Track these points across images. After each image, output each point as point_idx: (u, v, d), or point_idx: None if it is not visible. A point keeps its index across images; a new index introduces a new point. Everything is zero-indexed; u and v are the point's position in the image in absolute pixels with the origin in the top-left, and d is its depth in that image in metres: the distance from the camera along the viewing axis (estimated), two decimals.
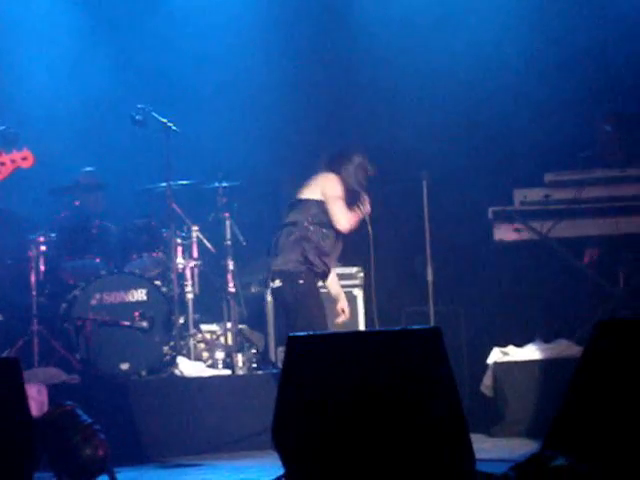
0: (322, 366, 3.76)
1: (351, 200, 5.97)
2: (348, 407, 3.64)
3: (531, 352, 6.44)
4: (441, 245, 7.28)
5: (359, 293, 7.30)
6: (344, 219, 5.91)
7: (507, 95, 7.40)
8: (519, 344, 6.54)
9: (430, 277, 7.19)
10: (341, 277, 7.29)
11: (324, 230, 5.91)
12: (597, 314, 6.63)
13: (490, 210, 6.77)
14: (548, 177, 6.84)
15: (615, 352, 3.81)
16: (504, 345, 6.53)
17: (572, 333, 6.62)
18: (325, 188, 5.91)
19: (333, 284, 6.25)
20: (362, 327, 7.19)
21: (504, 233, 6.78)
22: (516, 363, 6.36)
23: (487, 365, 6.43)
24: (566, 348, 6.36)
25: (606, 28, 7.41)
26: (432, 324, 7.08)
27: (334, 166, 6.00)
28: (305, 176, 6.08)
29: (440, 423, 3.77)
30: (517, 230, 6.77)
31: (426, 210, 7.18)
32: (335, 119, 7.86)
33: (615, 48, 7.35)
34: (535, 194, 6.81)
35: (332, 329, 6.03)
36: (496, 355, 6.43)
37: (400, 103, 7.64)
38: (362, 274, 7.31)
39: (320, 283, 6.05)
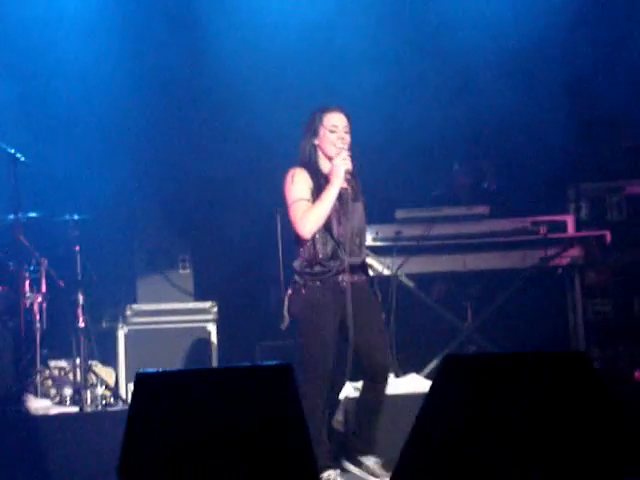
0: (171, 403, 3.70)
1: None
2: (197, 446, 3.59)
3: None
4: None
5: (213, 328, 7.25)
6: (296, 224, 5.11)
7: (359, 132, 7.50)
8: None
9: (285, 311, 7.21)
10: (194, 312, 7.26)
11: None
12: (446, 349, 6.78)
13: None
14: (399, 214, 6.97)
15: (461, 387, 3.87)
16: (356, 380, 6.58)
17: (422, 368, 6.73)
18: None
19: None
20: (216, 363, 7.14)
21: None
22: None
23: (339, 400, 6.46)
24: (416, 383, 6.44)
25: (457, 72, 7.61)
26: (287, 359, 7.10)
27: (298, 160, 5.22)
28: None
29: (289, 460, 3.75)
30: (369, 266, 6.84)
31: (280, 243, 7.22)
32: (194, 149, 7.81)
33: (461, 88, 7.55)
34: (387, 230, 6.92)
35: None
36: (348, 390, 6.47)
37: (258, 133, 7.64)
38: (216, 309, 7.26)
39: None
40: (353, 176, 5.17)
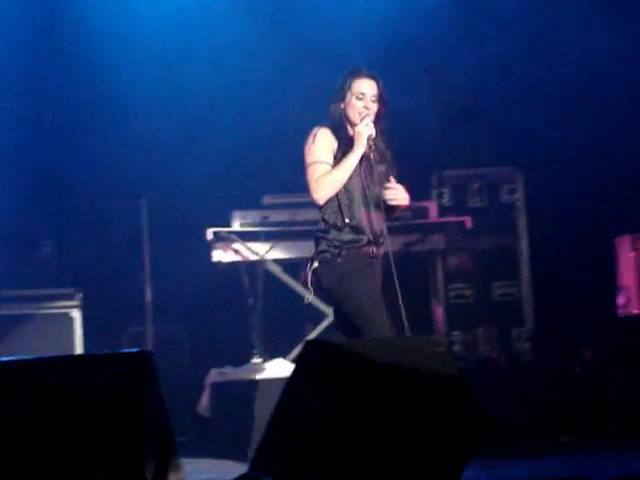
0: (22, 393, 3.63)
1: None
2: (48, 435, 3.54)
3: (248, 372, 6.54)
4: (162, 265, 7.29)
5: (77, 314, 7.12)
6: (311, 188, 4.85)
7: (225, 117, 7.48)
8: (237, 364, 6.63)
9: (149, 298, 7.18)
10: (58, 298, 7.12)
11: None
12: (312, 334, 6.84)
13: (209, 231, 6.80)
14: (266, 199, 6.99)
15: (319, 371, 3.93)
16: (223, 365, 6.59)
17: (289, 352, 6.78)
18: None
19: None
20: (81, 350, 7.02)
21: (223, 254, 6.84)
22: (233, 383, 6.42)
23: (205, 386, 6.47)
24: (282, 367, 6.49)
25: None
26: (152, 345, 7.07)
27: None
28: None
29: (148, 448, 3.74)
30: (236, 251, 6.85)
31: (146, 230, 7.16)
32: (58, 132, 7.64)
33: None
34: (253, 216, 6.92)
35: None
36: (213, 375, 6.48)
37: (125, 117, 7.53)
38: (80, 294, 7.14)
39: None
40: (377, 142, 4.88)
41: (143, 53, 7.45)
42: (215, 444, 6.28)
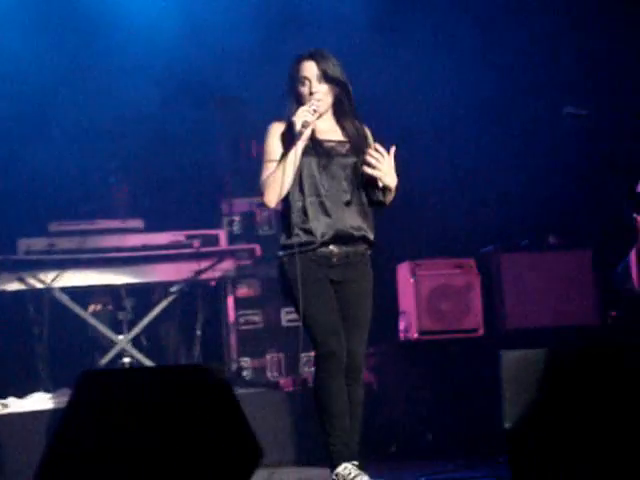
0: None
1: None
2: None
3: (33, 402, 6.39)
4: None
5: None
6: (260, 190, 4.49)
7: (6, 144, 7.31)
8: (22, 395, 6.46)
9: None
10: None
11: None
12: (100, 362, 6.77)
13: None
14: (52, 226, 6.87)
15: (95, 403, 3.90)
16: (5, 397, 6.41)
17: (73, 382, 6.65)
18: None
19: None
20: None
21: (7, 283, 6.68)
22: (17, 415, 6.25)
23: None
24: (67, 398, 6.37)
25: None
26: None
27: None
28: None
29: None
30: (20, 280, 6.69)
31: None
32: None
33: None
34: (40, 243, 6.79)
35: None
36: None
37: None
38: None
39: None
40: (345, 128, 4.54)
41: None
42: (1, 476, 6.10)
